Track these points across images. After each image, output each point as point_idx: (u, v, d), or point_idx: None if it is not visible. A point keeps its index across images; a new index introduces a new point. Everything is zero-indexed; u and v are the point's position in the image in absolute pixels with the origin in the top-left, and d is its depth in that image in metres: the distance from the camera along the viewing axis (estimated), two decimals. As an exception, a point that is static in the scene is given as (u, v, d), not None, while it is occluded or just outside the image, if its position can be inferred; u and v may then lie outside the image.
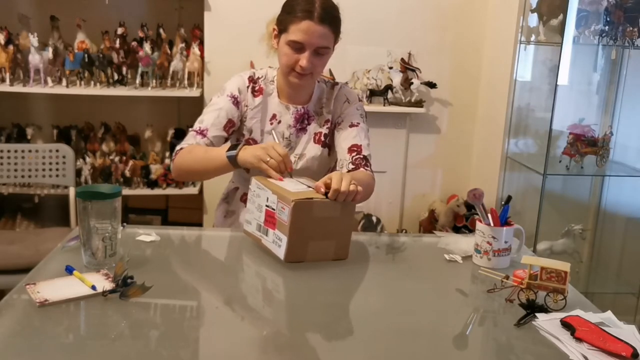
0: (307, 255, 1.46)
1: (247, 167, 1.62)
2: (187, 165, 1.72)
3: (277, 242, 1.44)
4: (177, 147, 1.76)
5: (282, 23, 1.70)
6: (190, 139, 1.75)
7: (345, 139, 1.79)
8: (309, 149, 1.82)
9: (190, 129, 1.79)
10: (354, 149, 1.77)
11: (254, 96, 1.81)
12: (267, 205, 1.48)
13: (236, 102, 1.79)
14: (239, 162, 1.59)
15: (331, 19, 1.67)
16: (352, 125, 1.80)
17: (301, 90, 1.81)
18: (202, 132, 1.74)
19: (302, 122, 1.82)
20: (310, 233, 1.44)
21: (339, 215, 1.47)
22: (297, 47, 1.67)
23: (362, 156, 1.76)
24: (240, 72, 1.85)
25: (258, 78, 1.83)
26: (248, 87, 1.81)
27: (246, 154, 1.58)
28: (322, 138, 1.83)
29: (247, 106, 1.81)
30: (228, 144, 1.66)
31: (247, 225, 1.57)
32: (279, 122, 1.81)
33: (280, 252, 1.43)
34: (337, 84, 1.89)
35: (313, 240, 1.45)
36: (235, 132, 1.83)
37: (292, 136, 1.82)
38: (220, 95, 1.80)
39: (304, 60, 1.66)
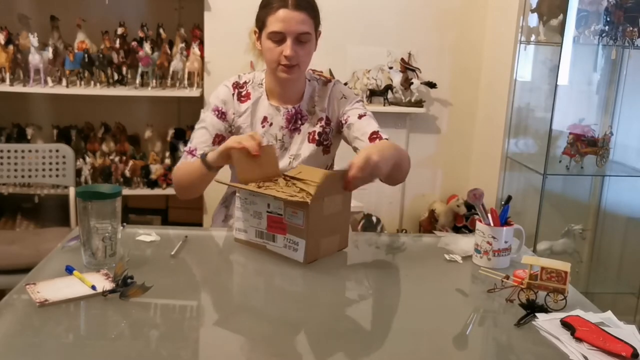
0: (320, 253, 1.48)
1: (218, 163, 1.63)
2: (178, 182, 1.80)
3: (292, 247, 1.46)
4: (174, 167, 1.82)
5: (260, 19, 1.71)
6: (182, 159, 1.80)
7: (359, 129, 1.77)
8: (304, 149, 1.81)
9: (184, 150, 1.83)
10: (374, 136, 1.76)
11: (241, 102, 1.80)
12: (269, 212, 1.47)
13: (221, 114, 1.79)
14: (208, 159, 1.63)
15: (306, 5, 1.67)
16: (360, 117, 1.79)
17: (291, 87, 1.79)
18: (191, 152, 1.77)
19: (294, 123, 1.81)
20: (322, 231, 1.47)
21: (341, 208, 1.51)
22: (278, 38, 1.66)
23: (384, 140, 1.76)
24: (225, 81, 1.84)
25: (245, 83, 1.82)
26: (233, 94, 1.80)
27: (215, 150, 1.61)
28: (317, 137, 1.81)
29: (234, 114, 1.80)
30: None
31: (240, 233, 1.55)
32: (271, 124, 1.80)
33: (299, 256, 1.45)
34: (330, 81, 1.87)
35: (324, 237, 1.49)
36: None
37: (285, 137, 1.80)
38: (206, 111, 1.82)
39: (287, 49, 1.65)
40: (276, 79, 1.76)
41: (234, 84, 1.82)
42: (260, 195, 1.48)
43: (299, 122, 1.81)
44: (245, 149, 1.51)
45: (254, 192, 1.49)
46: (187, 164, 1.76)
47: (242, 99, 1.80)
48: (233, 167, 1.89)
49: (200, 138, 1.78)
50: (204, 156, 1.66)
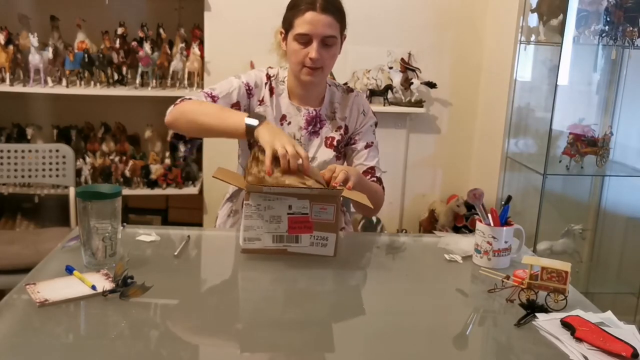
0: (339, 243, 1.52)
1: (257, 140, 1.52)
2: (193, 114, 1.64)
3: (321, 243, 1.48)
4: (184, 97, 1.71)
5: (287, 21, 1.71)
6: (201, 97, 1.72)
7: (359, 158, 1.84)
8: (321, 153, 1.82)
9: (200, 91, 1.77)
10: (369, 171, 1.82)
11: (270, 95, 1.80)
12: (291, 213, 1.46)
13: (249, 91, 1.78)
14: (255, 132, 1.52)
15: (334, 9, 1.68)
16: (367, 146, 1.84)
17: (313, 89, 1.80)
18: (212, 97, 1.72)
19: (314, 126, 1.82)
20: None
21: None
22: (304, 40, 1.67)
23: (375, 178, 1.83)
24: (258, 69, 1.84)
25: (271, 76, 1.83)
26: (266, 83, 1.81)
27: (267, 128, 1.51)
28: (335, 143, 1.83)
29: (260, 101, 1.79)
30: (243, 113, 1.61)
31: (251, 243, 1.48)
32: (289, 123, 1.81)
33: (329, 250, 1.49)
34: (352, 90, 1.89)
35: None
36: None
37: (303, 138, 1.81)
38: (236, 79, 1.78)
39: (312, 51, 1.66)
40: (298, 81, 1.76)
41: (267, 74, 1.82)
42: (280, 199, 1.46)
43: (318, 126, 1.82)
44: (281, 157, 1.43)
45: (269, 197, 1.46)
46: (216, 105, 1.68)
47: (271, 92, 1.81)
48: (242, 166, 1.88)
49: (225, 93, 1.73)
50: (252, 124, 1.53)
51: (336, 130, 1.84)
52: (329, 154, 1.82)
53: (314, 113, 1.82)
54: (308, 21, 1.65)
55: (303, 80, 1.73)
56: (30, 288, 1.24)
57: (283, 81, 1.82)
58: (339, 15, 1.70)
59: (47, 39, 3.01)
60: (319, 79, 1.74)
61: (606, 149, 2.68)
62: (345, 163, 1.89)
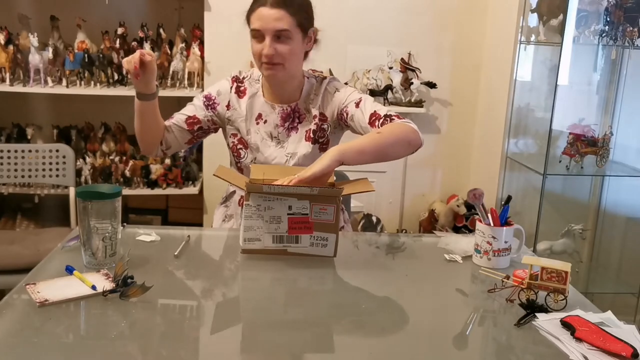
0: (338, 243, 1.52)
1: (138, 88, 1.66)
2: (135, 132, 1.78)
3: (321, 243, 1.48)
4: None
5: (247, 18, 1.73)
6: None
7: (360, 119, 1.73)
8: (300, 148, 1.80)
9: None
10: (373, 118, 1.71)
11: (239, 97, 1.82)
12: (290, 214, 1.46)
13: (210, 103, 1.81)
14: (136, 88, 1.66)
15: (288, 2, 1.66)
16: (357, 104, 1.75)
17: (281, 86, 1.79)
18: (170, 118, 1.82)
19: (292, 121, 1.81)
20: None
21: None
22: (258, 35, 1.68)
23: (383, 117, 1.70)
24: (226, 77, 1.87)
25: (243, 78, 1.84)
26: (232, 87, 1.82)
27: None
28: (312, 135, 1.80)
29: (227, 107, 1.81)
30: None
31: (251, 243, 1.49)
32: (265, 121, 1.81)
33: (329, 251, 1.49)
34: (325, 78, 1.85)
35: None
36: (221, 130, 1.87)
37: (280, 135, 1.81)
38: (198, 98, 1.85)
39: (265, 47, 1.67)
40: (266, 78, 1.77)
41: (233, 77, 1.84)
42: (280, 199, 1.46)
43: (296, 121, 1.81)
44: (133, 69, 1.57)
45: (269, 197, 1.45)
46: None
47: (240, 93, 1.82)
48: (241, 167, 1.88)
49: (180, 112, 1.82)
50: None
51: (312, 120, 1.81)
52: (308, 147, 1.79)
53: (289, 109, 1.81)
54: (259, 17, 1.67)
55: (266, 76, 1.74)
56: (30, 288, 1.24)
57: (258, 80, 1.83)
58: (292, 8, 1.66)
59: (47, 39, 3.01)
60: (281, 74, 1.72)
61: (606, 149, 2.68)
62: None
